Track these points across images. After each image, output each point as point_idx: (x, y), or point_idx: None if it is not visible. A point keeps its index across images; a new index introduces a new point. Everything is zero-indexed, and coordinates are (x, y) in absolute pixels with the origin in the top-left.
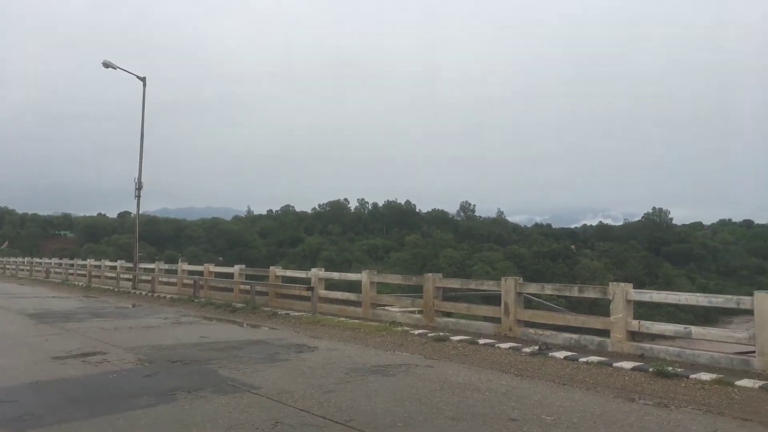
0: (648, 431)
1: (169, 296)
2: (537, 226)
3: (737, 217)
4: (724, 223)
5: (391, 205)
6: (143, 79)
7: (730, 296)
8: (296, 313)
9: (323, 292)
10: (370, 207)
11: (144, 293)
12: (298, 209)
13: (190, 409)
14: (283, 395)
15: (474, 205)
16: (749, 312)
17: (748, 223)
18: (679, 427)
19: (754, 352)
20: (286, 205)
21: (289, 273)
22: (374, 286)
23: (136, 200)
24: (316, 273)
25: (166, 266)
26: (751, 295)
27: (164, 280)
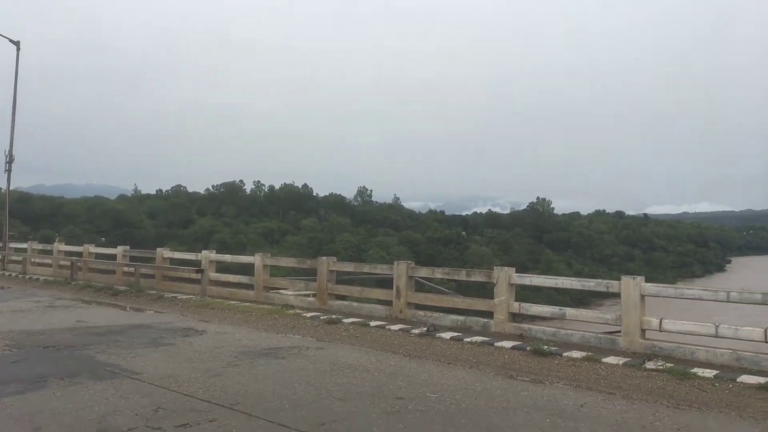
0: (524, 406)
1: (43, 278)
2: (431, 212)
3: (610, 209)
4: (599, 214)
5: (288, 189)
6: (17, 44)
7: (600, 280)
8: (185, 297)
9: (214, 275)
10: (266, 189)
11: (14, 275)
12: (190, 189)
13: (62, 396)
14: (166, 380)
15: (371, 191)
16: (617, 295)
17: (619, 214)
18: (552, 402)
19: (620, 331)
20: (177, 185)
21: (178, 255)
22: (267, 269)
23: (6, 174)
24: (207, 255)
25: (40, 246)
26: (619, 279)
27: (38, 261)
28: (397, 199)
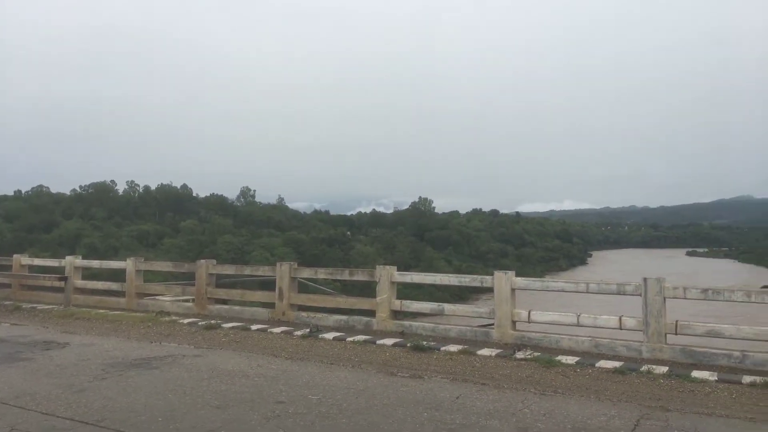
0: (404, 401)
1: None
2: (316, 212)
3: (486, 207)
4: (476, 212)
5: (165, 189)
6: None
7: (475, 276)
8: (46, 307)
9: (80, 282)
10: (141, 190)
11: None
12: (54, 190)
13: None
14: (23, 399)
15: (254, 191)
16: (491, 290)
17: (494, 213)
18: (430, 396)
19: (493, 324)
20: (38, 186)
21: (39, 262)
22: (141, 275)
23: None
24: (72, 261)
25: None
26: (493, 275)
27: None
28: (281, 199)
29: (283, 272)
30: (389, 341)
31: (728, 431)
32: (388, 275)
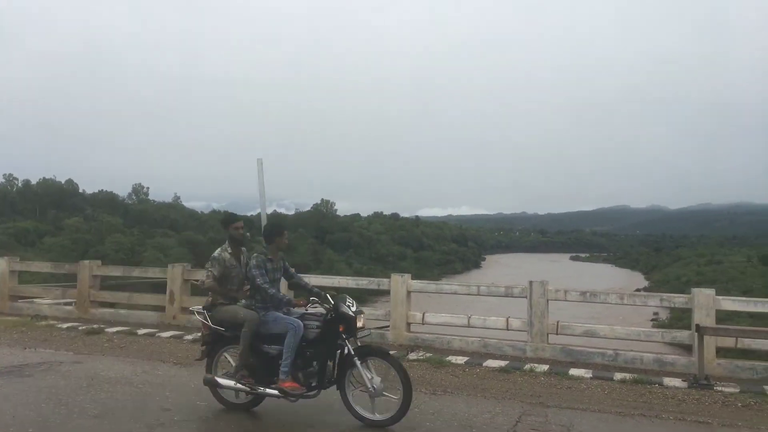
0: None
1: None
2: (214, 212)
3: (387, 210)
4: (377, 215)
5: (47, 184)
6: None
7: (373, 279)
8: None
9: None
10: (20, 184)
11: None
12: None
13: None
14: None
15: (148, 189)
16: (388, 292)
17: (395, 216)
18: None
19: (389, 326)
20: None
21: None
22: (16, 276)
23: None
24: None
25: None
26: (389, 277)
27: None
28: (177, 198)
29: (175, 274)
30: None
31: (600, 425)
32: None
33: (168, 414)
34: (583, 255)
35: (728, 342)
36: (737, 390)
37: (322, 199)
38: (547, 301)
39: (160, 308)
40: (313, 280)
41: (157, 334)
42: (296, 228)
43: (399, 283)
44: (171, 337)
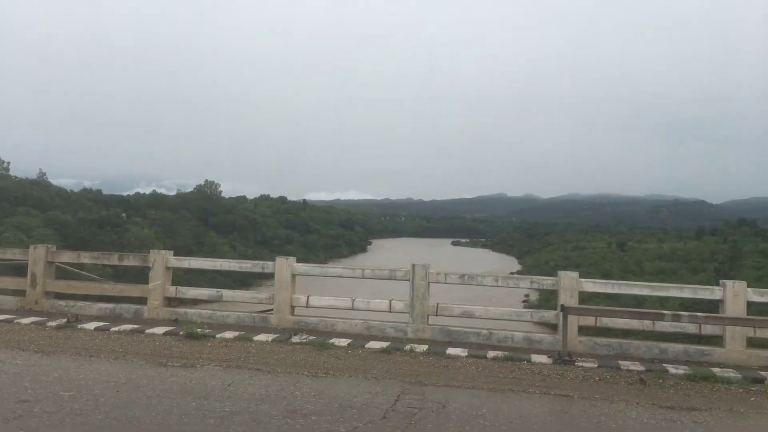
0: (171, 392)
1: None
2: (86, 191)
3: (274, 193)
4: (264, 198)
5: None
6: None
7: (257, 262)
8: None
9: None
10: None
11: None
12: None
13: None
14: None
15: (8, 164)
16: (273, 276)
17: (282, 199)
18: (201, 385)
19: (272, 310)
20: None
21: None
22: None
23: None
24: None
25: None
26: (274, 260)
27: None
28: (42, 174)
29: (37, 256)
30: (160, 330)
31: (473, 400)
32: (163, 260)
33: (27, 405)
34: (463, 240)
35: (589, 321)
36: (596, 365)
37: (206, 180)
38: (428, 283)
39: (21, 293)
40: (193, 263)
41: (16, 321)
42: (177, 209)
43: (284, 266)
44: (32, 323)
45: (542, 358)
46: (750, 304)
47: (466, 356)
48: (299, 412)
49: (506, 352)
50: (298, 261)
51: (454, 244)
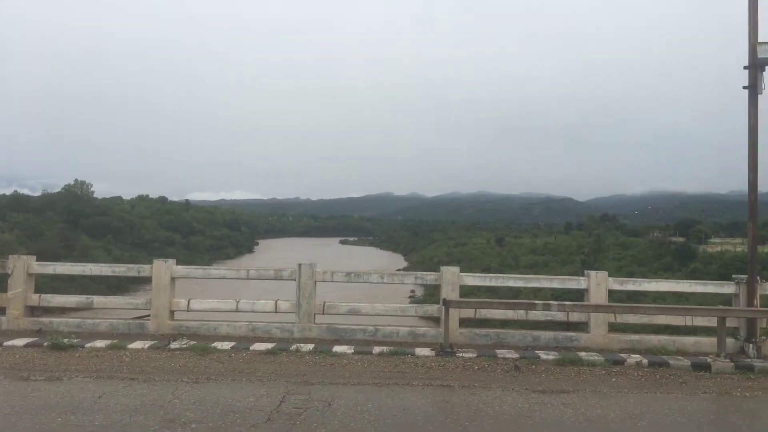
0: (32, 408)
1: None
2: None
3: (154, 194)
4: (142, 199)
5: None
6: None
7: (132, 265)
8: None
9: None
10: None
11: None
12: None
13: None
14: None
15: None
16: (150, 279)
17: (162, 200)
18: (67, 398)
19: (149, 315)
20: None
21: None
22: None
23: None
24: None
25: None
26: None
27: None
28: None
29: None
30: (21, 342)
31: (358, 396)
32: (24, 266)
33: None
34: (352, 239)
35: (469, 313)
36: (474, 355)
37: (77, 180)
38: (315, 282)
39: None
40: (59, 268)
41: None
42: (43, 211)
43: (162, 269)
44: None
45: (426, 351)
46: (611, 292)
47: (353, 353)
48: (178, 421)
49: (392, 347)
50: (179, 263)
51: (343, 242)
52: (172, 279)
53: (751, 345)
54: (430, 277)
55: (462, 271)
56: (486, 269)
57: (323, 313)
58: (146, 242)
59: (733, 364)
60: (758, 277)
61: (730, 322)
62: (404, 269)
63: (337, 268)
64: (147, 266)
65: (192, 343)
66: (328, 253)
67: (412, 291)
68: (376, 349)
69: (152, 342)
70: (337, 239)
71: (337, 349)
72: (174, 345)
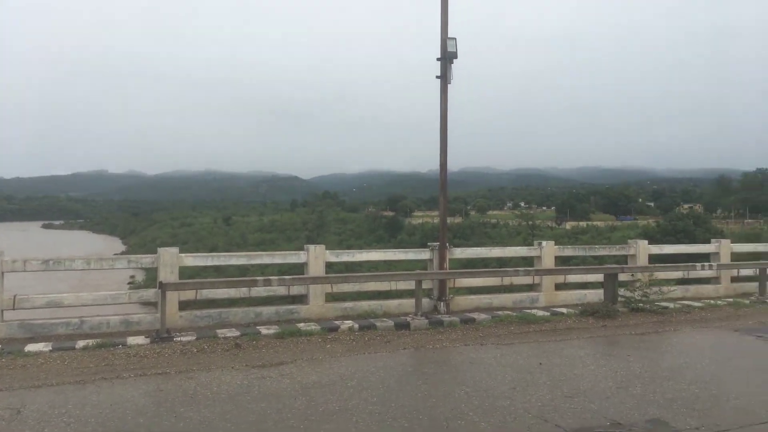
0: None
1: None
2: None
3: None
4: None
5: None
6: None
7: None
8: None
9: None
10: None
11: None
12: None
13: None
14: None
15: None
16: None
17: None
18: None
19: None
20: None
21: None
22: None
23: None
24: None
25: None
26: None
27: None
28: None
29: None
30: None
31: (56, 398)
32: None
33: None
34: (57, 222)
35: (190, 295)
36: (194, 338)
37: None
38: (2, 273)
39: None
40: None
41: None
42: None
43: None
44: None
45: (140, 339)
46: (330, 264)
47: (51, 351)
48: None
49: (99, 339)
50: None
51: (46, 227)
52: None
53: (442, 303)
54: (146, 260)
55: (186, 251)
56: (213, 249)
57: (14, 309)
58: None
59: (427, 321)
60: (448, 244)
61: (426, 284)
62: (122, 253)
63: (33, 256)
64: None
65: None
66: (24, 240)
67: (132, 276)
68: (80, 343)
69: None
70: (39, 223)
71: (32, 347)
72: None
